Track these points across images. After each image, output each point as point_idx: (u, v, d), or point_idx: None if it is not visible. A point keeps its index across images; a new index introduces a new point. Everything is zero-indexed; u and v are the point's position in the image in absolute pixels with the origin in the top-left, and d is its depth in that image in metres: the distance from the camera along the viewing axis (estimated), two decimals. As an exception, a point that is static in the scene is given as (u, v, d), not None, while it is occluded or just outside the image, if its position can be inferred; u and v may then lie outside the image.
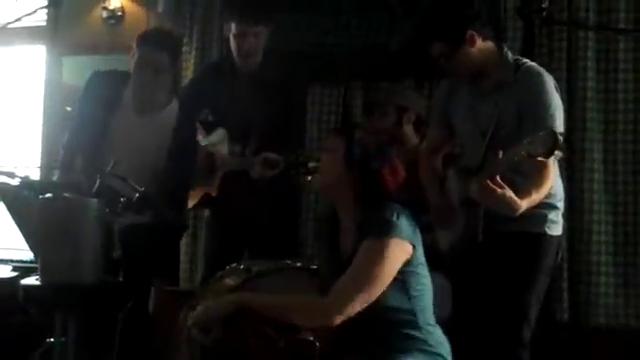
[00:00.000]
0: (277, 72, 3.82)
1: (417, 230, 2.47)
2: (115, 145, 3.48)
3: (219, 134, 3.97)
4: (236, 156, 3.89)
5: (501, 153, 2.54)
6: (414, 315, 2.43)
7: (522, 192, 2.63)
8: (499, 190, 2.54)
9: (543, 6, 2.73)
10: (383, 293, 2.37)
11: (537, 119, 2.76)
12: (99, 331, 3.27)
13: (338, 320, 2.34)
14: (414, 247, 2.43)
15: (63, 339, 2.96)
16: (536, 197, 2.70)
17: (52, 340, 3.00)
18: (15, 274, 4.58)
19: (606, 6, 4.19)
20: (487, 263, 2.88)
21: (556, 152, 2.40)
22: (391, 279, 2.37)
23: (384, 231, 2.37)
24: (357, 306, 2.33)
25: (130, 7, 5.15)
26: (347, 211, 2.55)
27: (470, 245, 2.90)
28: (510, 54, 3.01)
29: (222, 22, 4.59)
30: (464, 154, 3.12)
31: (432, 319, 2.50)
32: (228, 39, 3.88)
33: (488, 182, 2.54)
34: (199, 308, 2.50)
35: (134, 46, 3.53)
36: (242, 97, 3.82)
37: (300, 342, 2.33)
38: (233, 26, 3.79)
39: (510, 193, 2.57)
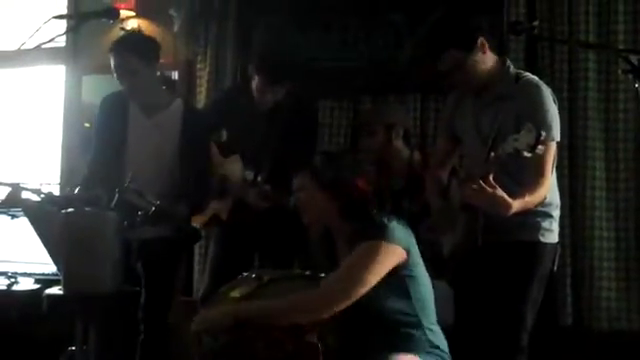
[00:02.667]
0: (292, 104, 3.90)
1: (411, 234, 2.58)
2: (131, 153, 3.62)
3: (235, 158, 4.00)
4: (248, 186, 3.89)
5: (492, 154, 2.65)
6: (416, 316, 2.53)
7: (515, 195, 2.72)
8: (490, 190, 2.64)
9: (534, 24, 2.86)
10: (385, 296, 2.48)
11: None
12: (121, 340, 3.40)
13: (325, 314, 2.44)
14: (408, 251, 2.52)
15: (84, 347, 3.12)
16: (529, 200, 2.78)
17: (74, 348, 3.15)
18: (38, 286, 4.71)
19: (605, 28, 4.30)
20: (484, 272, 2.97)
21: (539, 147, 2.51)
22: (377, 281, 2.45)
23: (376, 234, 2.49)
24: (340, 302, 2.43)
25: (146, 28, 5.19)
26: (339, 231, 2.67)
27: (470, 250, 2.98)
28: (512, 66, 3.08)
29: (235, 48, 4.80)
30: (463, 164, 3.22)
31: (434, 318, 2.59)
32: (245, 70, 3.95)
33: (480, 183, 2.64)
34: (199, 316, 2.60)
35: None
36: (256, 124, 3.89)
37: (304, 345, 2.43)
38: (256, 77, 3.86)
39: (501, 193, 2.65)
